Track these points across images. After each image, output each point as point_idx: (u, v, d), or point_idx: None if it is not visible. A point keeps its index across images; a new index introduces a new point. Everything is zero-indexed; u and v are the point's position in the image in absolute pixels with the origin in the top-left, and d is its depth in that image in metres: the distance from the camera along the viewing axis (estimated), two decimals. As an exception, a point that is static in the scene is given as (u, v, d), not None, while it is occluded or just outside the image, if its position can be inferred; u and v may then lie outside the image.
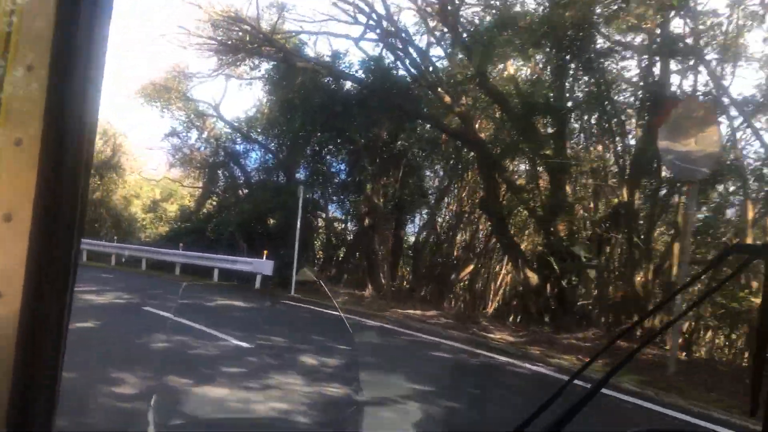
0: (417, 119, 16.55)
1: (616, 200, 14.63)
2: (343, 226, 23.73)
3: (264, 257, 18.67)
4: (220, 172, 24.95)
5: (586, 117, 14.50)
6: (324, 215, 22.74)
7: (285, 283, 19.32)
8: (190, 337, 8.72)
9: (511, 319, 16.40)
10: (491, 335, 13.24)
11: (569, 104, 13.75)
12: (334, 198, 21.09)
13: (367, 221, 19.35)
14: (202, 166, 25.19)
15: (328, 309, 14.69)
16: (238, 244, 21.72)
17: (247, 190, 23.99)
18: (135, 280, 18.82)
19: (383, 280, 18.37)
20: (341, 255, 23.39)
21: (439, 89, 15.17)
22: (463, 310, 16.16)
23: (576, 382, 1.06)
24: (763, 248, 0.94)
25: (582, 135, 15.22)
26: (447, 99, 15.21)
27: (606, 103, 13.53)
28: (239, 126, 23.57)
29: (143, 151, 30.07)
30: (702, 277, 9.02)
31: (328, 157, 19.83)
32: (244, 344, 8.71)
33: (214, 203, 25.26)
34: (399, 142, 16.51)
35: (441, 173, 19.50)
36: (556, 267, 14.08)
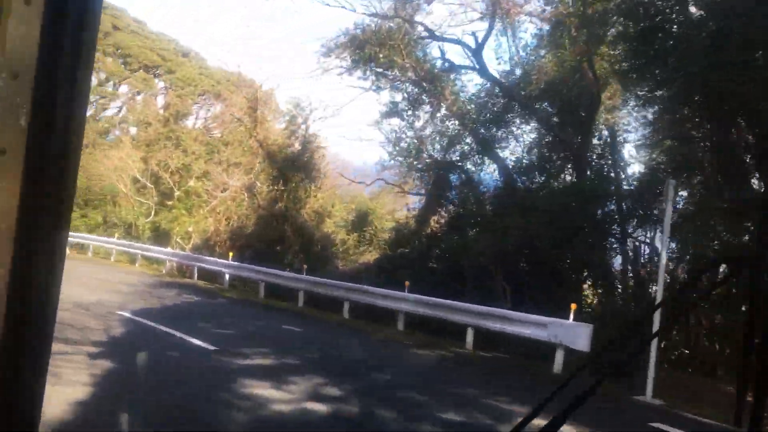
0: None
1: None
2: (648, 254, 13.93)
3: (571, 315, 9.67)
4: (456, 172, 16.07)
5: None
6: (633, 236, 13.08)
7: (611, 369, 10.08)
8: None
9: None
10: None
11: None
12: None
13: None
14: (429, 166, 16.46)
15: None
16: (496, 287, 12.95)
17: (496, 199, 15.19)
18: (337, 341, 11.18)
19: None
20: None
21: None
22: None
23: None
24: (749, 257, 0.91)
25: None
26: None
27: None
28: (511, 86, 14.30)
29: (349, 145, 22.64)
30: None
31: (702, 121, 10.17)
32: None
33: (443, 219, 16.59)
34: None
35: None
36: None
